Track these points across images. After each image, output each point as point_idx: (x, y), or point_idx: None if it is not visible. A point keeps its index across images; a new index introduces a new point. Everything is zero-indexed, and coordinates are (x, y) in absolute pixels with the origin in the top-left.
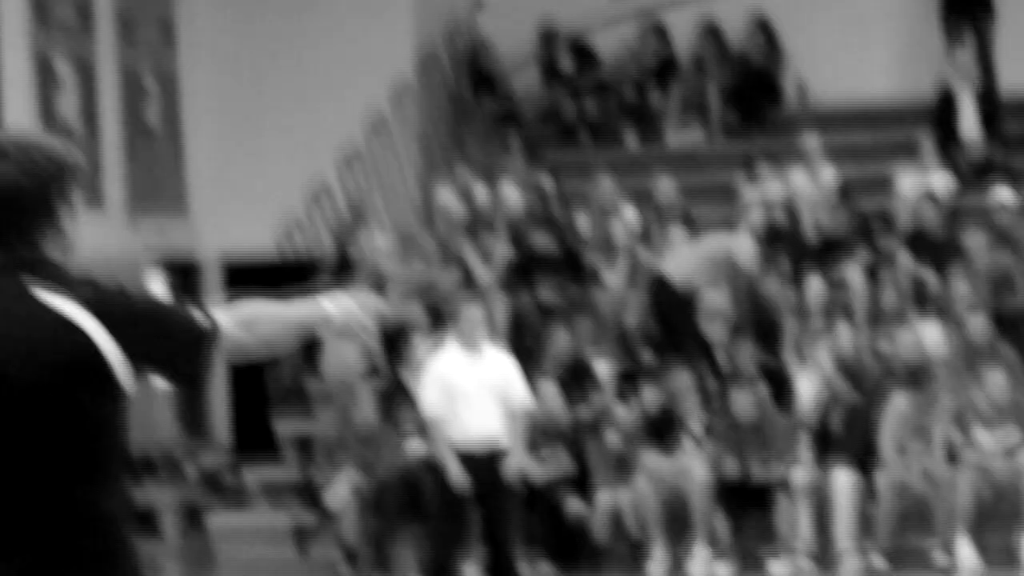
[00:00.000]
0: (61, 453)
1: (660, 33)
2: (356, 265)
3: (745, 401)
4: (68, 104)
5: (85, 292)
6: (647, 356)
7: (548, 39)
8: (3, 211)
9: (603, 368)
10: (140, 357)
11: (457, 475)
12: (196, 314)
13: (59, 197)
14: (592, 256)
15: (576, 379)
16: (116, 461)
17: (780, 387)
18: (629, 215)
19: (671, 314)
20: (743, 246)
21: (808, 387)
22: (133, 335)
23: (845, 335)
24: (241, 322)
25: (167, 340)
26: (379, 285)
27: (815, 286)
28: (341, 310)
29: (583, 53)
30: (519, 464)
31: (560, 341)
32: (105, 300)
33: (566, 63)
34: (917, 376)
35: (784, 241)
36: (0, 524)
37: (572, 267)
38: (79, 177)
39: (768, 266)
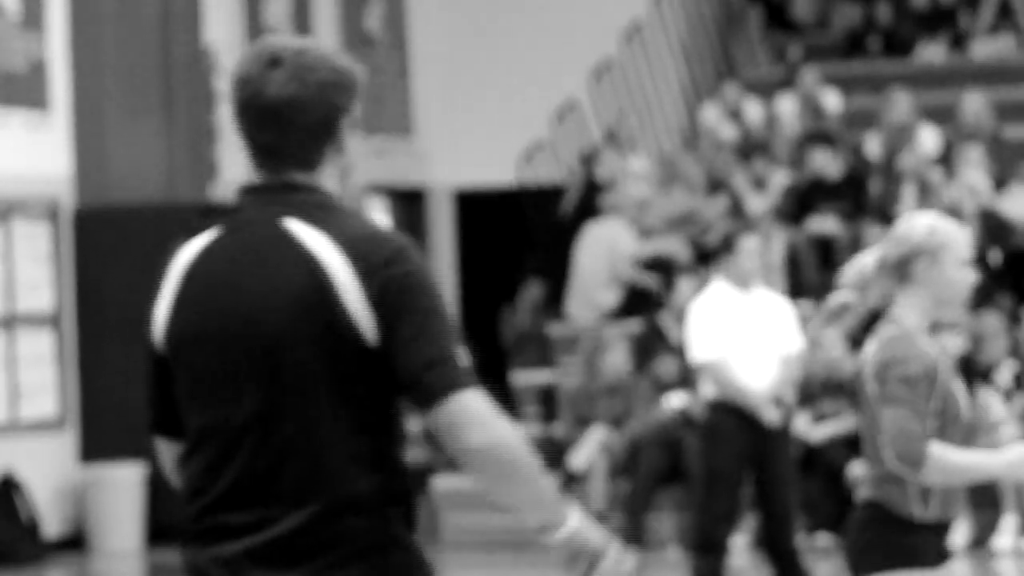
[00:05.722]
0: (306, 395)
1: None
2: (607, 193)
3: None
4: (277, 9)
5: (346, 229)
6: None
7: None
8: (275, 124)
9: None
10: (382, 331)
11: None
12: (462, 356)
13: (340, 112)
14: (881, 183)
15: (867, 326)
16: (363, 408)
17: None
18: (927, 136)
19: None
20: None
21: None
22: (386, 311)
23: None
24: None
25: (412, 351)
26: (635, 217)
27: None
28: (570, 531)
29: None
30: (787, 415)
31: None
32: (361, 246)
33: None
34: None
35: None
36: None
37: (857, 196)
38: (361, 92)
39: None
